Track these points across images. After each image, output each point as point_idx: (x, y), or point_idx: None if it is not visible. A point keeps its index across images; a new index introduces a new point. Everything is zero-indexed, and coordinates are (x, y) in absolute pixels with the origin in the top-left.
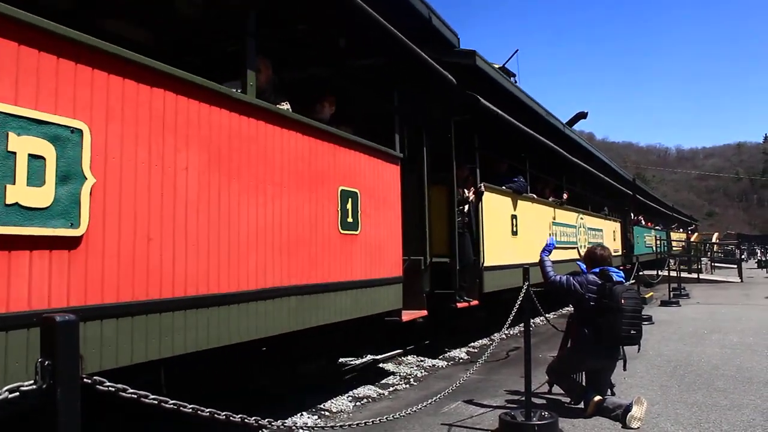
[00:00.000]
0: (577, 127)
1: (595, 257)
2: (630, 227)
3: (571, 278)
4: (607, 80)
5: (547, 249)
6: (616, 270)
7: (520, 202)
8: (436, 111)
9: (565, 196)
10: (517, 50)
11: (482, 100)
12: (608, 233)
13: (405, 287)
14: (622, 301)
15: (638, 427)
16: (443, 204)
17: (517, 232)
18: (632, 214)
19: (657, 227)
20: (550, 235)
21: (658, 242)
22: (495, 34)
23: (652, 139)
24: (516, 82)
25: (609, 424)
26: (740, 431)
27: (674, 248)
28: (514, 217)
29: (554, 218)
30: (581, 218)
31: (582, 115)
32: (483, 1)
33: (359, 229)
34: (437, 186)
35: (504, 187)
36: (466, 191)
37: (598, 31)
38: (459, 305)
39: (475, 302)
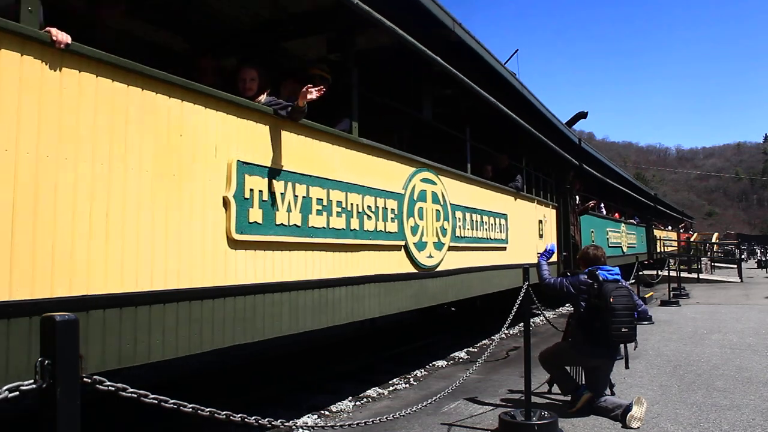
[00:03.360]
0: (577, 126)
1: (588, 257)
2: (574, 217)
3: (564, 280)
4: (607, 80)
5: (546, 255)
6: (609, 268)
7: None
8: None
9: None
10: (517, 50)
11: None
12: (522, 222)
13: None
14: (611, 299)
15: (638, 427)
16: None
17: None
18: (577, 198)
19: (632, 221)
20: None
21: (630, 241)
22: (495, 34)
23: (652, 139)
24: None
25: (609, 424)
26: (740, 431)
27: (665, 249)
28: None
29: (281, 162)
30: (432, 181)
31: (582, 115)
32: (483, 2)
33: None
34: None
35: None
36: None
37: (599, 31)
38: None
39: None
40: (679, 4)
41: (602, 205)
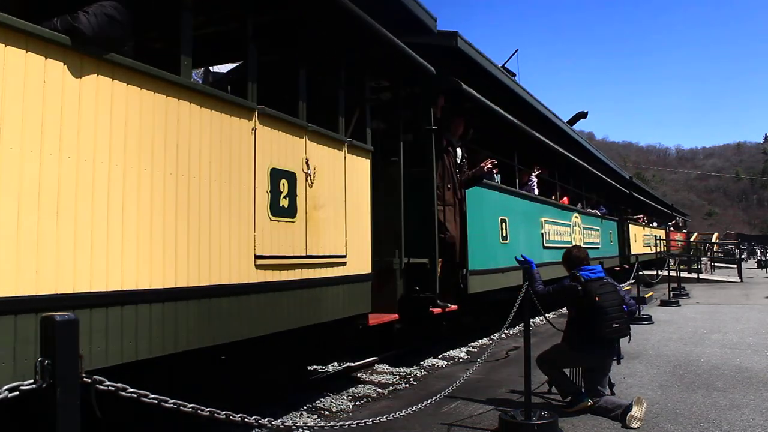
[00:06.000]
0: (577, 126)
1: (571, 259)
2: (448, 188)
3: (550, 288)
4: (607, 80)
5: (533, 263)
6: (592, 267)
7: None
8: None
9: None
10: (517, 50)
11: None
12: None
13: None
14: (597, 298)
15: (638, 427)
16: None
17: None
18: (460, 152)
19: (594, 211)
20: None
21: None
22: (495, 34)
23: (652, 139)
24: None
25: (609, 423)
26: (740, 431)
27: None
28: None
29: None
30: None
31: (582, 115)
32: (483, 2)
33: None
34: None
35: None
36: None
37: (599, 31)
38: None
39: None
40: (679, 4)
41: (534, 178)
